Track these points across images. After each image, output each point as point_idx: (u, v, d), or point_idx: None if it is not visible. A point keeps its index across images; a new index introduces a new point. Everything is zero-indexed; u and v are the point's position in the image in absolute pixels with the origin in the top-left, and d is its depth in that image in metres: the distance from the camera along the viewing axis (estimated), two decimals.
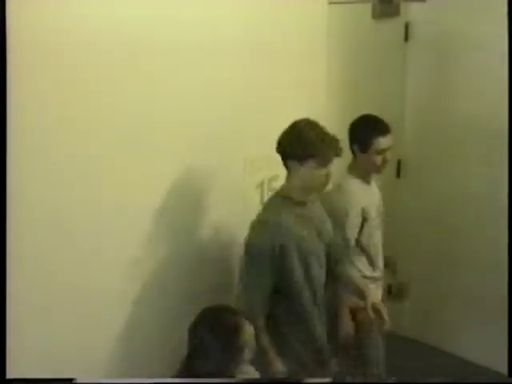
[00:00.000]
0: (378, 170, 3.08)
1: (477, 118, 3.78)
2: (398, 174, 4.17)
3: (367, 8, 3.67)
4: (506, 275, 3.00)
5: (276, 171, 2.85)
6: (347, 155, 2.92)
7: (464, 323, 4.04)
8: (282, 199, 2.62)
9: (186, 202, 2.79)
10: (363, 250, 3.09)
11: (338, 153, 2.52)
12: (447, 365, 3.95)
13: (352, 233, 3.00)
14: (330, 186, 2.77)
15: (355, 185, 3.06)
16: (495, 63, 3.42)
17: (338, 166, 2.75)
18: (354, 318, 3.02)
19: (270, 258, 2.50)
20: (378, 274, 3.17)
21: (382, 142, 2.98)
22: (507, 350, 2.78)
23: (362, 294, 2.70)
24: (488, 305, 3.85)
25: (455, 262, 4.03)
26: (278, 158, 2.59)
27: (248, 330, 2.24)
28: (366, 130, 3.01)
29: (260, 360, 2.41)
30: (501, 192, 3.02)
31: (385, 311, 2.62)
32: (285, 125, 3.17)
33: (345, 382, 2.61)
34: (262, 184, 3.15)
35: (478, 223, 3.91)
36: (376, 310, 2.61)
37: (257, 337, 2.32)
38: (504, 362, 2.71)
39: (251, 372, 2.29)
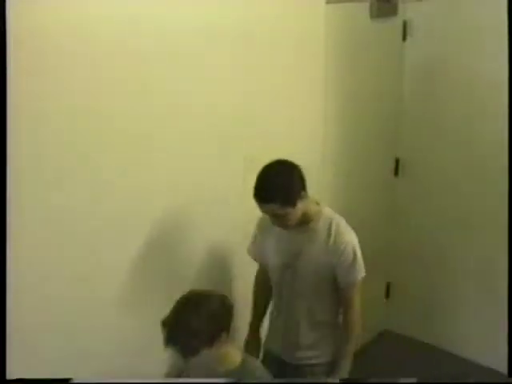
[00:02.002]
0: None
1: (476, 117, 3.79)
2: (397, 173, 4.18)
3: (365, 7, 3.66)
4: (505, 275, 3.00)
5: None
6: None
7: (464, 323, 4.05)
8: None
9: (185, 201, 2.78)
10: None
11: None
12: (447, 364, 3.96)
13: None
14: None
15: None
16: (494, 61, 3.43)
17: None
18: None
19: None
20: None
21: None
22: (507, 350, 2.79)
23: None
24: (488, 304, 3.86)
25: (455, 261, 4.04)
26: (278, 156, 2.58)
27: None
28: None
29: None
30: (500, 191, 3.02)
31: None
32: (283, 123, 3.19)
33: (345, 382, 2.61)
34: None
35: (477, 222, 3.91)
36: None
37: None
38: (504, 362, 2.71)
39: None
